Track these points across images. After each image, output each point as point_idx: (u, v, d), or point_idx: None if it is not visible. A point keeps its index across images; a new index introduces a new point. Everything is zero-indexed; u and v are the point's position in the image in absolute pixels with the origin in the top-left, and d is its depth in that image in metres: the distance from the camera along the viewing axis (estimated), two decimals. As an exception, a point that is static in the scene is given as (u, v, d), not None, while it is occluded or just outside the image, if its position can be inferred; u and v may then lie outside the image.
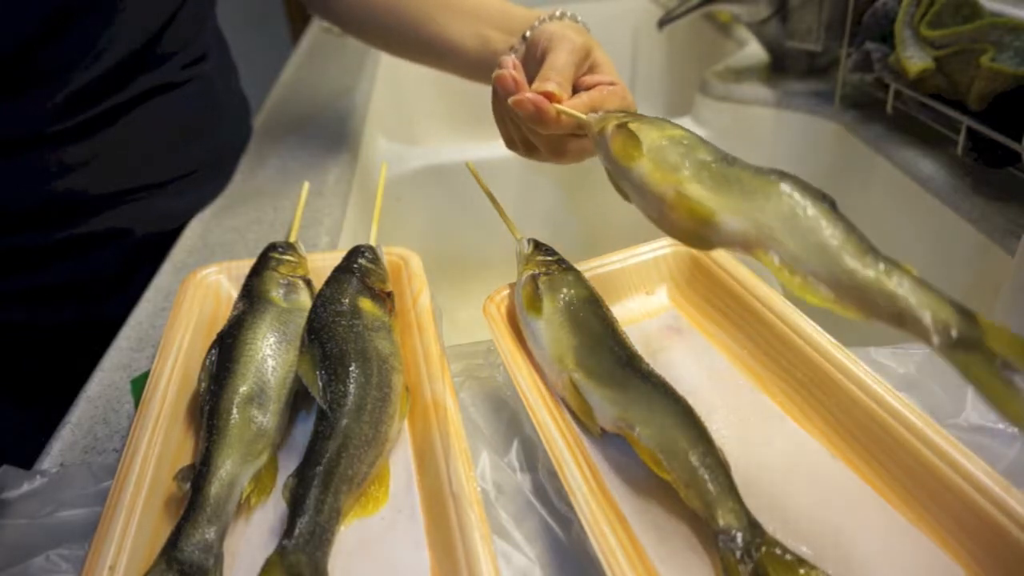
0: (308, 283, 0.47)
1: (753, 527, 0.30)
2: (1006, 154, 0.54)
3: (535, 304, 0.40)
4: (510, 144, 0.51)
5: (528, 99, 0.41)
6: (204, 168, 0.69)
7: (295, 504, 0.32)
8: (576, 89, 0.46)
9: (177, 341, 0.42)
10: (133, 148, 0.61)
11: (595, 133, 0.38)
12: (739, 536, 0.30)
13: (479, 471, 0.36)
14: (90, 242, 0.61)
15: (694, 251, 0.46)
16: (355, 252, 0.46)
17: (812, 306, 0.26)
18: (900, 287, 0.24)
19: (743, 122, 0.82)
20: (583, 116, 0.40)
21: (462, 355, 0.43)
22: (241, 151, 0.77)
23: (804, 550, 0.30)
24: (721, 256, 0.45)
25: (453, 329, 0.87)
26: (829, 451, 0.35)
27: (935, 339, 0.23)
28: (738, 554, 0.29)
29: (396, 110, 1.09)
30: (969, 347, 0.22)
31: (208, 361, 0.39)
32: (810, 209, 0.27)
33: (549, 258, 0.43)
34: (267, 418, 0.37)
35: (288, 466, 0.36)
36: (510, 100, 0.42)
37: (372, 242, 0.48)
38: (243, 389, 0.37)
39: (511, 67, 0.43)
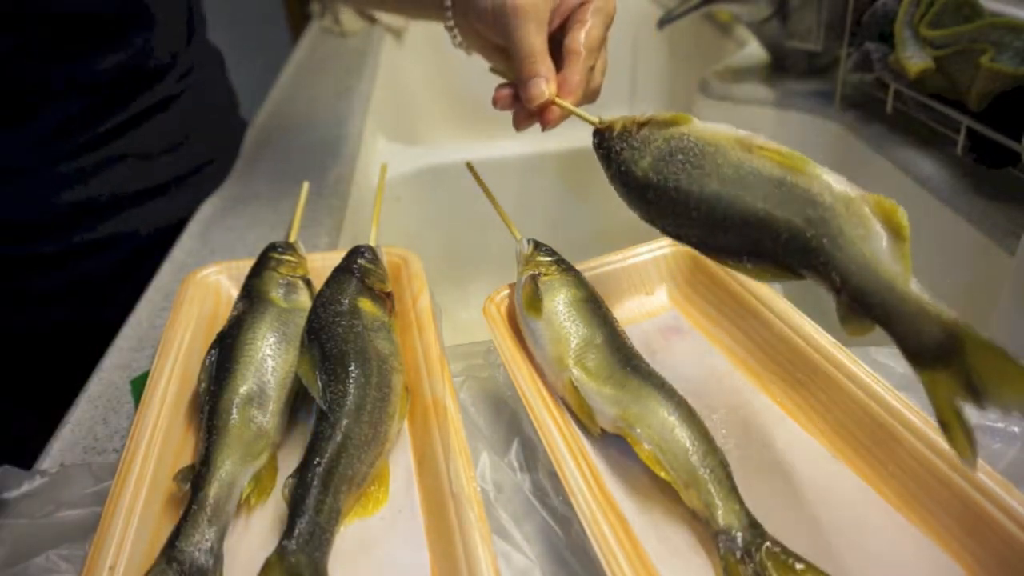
0: (308, 283, 0.47)
1: (753, 527, 0.30)
2: (1006, 154, 0.54)
3: (535, 304, 0.40)
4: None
5: (529, 119, 0.43)
6: (203, 167, 0.69)
7: (295, 504, 0.32)
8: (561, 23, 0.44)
9: (177, 341, 0.42)
10: (136, 156, 0.62)
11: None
12: (739, 536, 0.30)
13: (479, 471, 0.36)
14: (94, 247, 0.61)
15: (694, 251, 0.46)
16: (355, 252, 0.46)
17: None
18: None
19: (743, 122, 0.81)
20: (591, 118, 0.40)
21: (462, 355, 0.43)
22: (237, 144, 0.77)
23: (804, 550, 0.30)
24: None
25: (453, 329, 0.87)
26: (829, 451, 0.35)
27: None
28: (738, 554, 0.29)
29: (396, 110, 1.09)
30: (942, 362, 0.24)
31: (208, 361, 0.39)
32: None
33: (549, 258, 0.43)
34: (267, 418, 0.37)
35: (288, 466, 0.36)
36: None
37: (372, 242, 0.48)
38: (243, 389, 0.37)
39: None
